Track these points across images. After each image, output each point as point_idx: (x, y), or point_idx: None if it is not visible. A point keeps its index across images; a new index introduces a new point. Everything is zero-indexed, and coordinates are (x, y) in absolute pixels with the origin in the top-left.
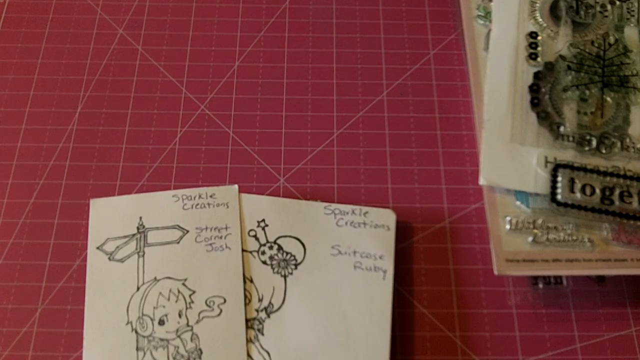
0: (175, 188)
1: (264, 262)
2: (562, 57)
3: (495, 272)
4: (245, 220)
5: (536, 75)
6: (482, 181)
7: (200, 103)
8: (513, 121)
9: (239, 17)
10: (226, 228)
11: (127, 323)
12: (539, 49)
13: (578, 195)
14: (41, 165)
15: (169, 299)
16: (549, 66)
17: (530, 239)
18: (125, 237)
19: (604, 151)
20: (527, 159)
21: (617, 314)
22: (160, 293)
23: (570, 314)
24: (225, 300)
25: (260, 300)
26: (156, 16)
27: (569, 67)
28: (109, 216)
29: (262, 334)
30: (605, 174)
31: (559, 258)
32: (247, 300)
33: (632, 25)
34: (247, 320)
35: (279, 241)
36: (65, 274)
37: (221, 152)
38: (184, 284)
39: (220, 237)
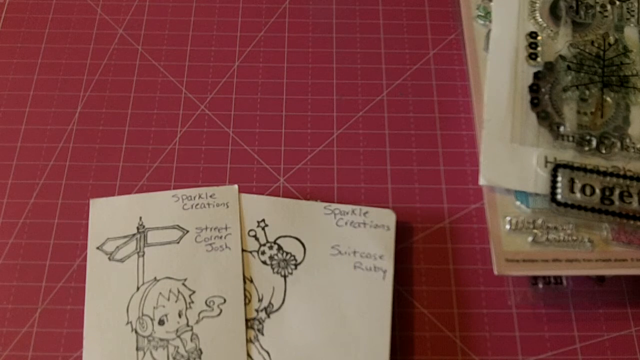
0: (175, 188)
1: (264, 262)
2: (562, 57)
3: (495, 272)
4: (245, 220)
5: (536, 75)
6: (482, 181)
7: (200, 103)
8: (513, 121)
9: (239, 17)
10: (226, 228)
11: (127, 323)
12: (539, 49)
13: (578, 195)
14: (41, 165)
15: (168, 299)
16: (549, 66)
17: (530, 239)
18: (125, 237)
19: (603, 151)
20: (527, 159)
21: (617, 314)
22: (160, 293)
23: (570, 314)
24: (225, 300)
25: (260, 300)
26: (156, 16)
27: (569, 67)
28: (109, 216)
29: (262, 334)
30: (605, 174)
31: (559, 258)
32: (247, 300)
33: (632, 25)
34: (247, 320)
35: (278, 241)
36: (65, 274)
37: (221, 152)
38: (183, 284)
39: (220, 237)
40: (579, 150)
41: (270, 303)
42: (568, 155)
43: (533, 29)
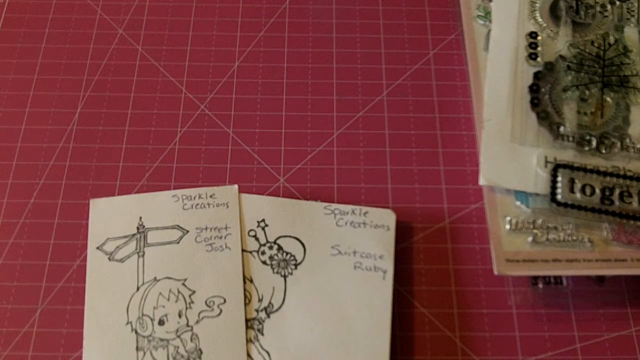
0: (175, 188)
1: (264, 262)
2: (562, 57)
3: (495, 272)
4: (245, 220)
5: (536, 75)
6: (482, 181)
7: (200, 103)
8: (513, 121)
9: (239, 17)
10: (226, 228)
11: (127, 323)
12: (539, 49)
13: (578, 195)
14: (41, 165)
15: (168, 299)
16: (549, 66)
17: (530, 239)
18: (125, 237)
19: (603, 151)
20: (527, 159)
21: (617, 314)
22: (160, 293)
23: (570, 314)
24: (225, 300)
25: (260, 300)
26: (156, 16)
27: (569, 67)
28: (109, 216)
29: (262, 334)
30: (605, 174)
31: (559, 258)
32: (247, 300)
33: (632, 25)
34: (247, 320)
35: (278, 241)
36: (65, 274)
37: (221, 152)
38: (183, 284)
39: (220, 237)
40: (579, 150)
41: (270, 303)
42: (568, 155)
43: (533, 29)
